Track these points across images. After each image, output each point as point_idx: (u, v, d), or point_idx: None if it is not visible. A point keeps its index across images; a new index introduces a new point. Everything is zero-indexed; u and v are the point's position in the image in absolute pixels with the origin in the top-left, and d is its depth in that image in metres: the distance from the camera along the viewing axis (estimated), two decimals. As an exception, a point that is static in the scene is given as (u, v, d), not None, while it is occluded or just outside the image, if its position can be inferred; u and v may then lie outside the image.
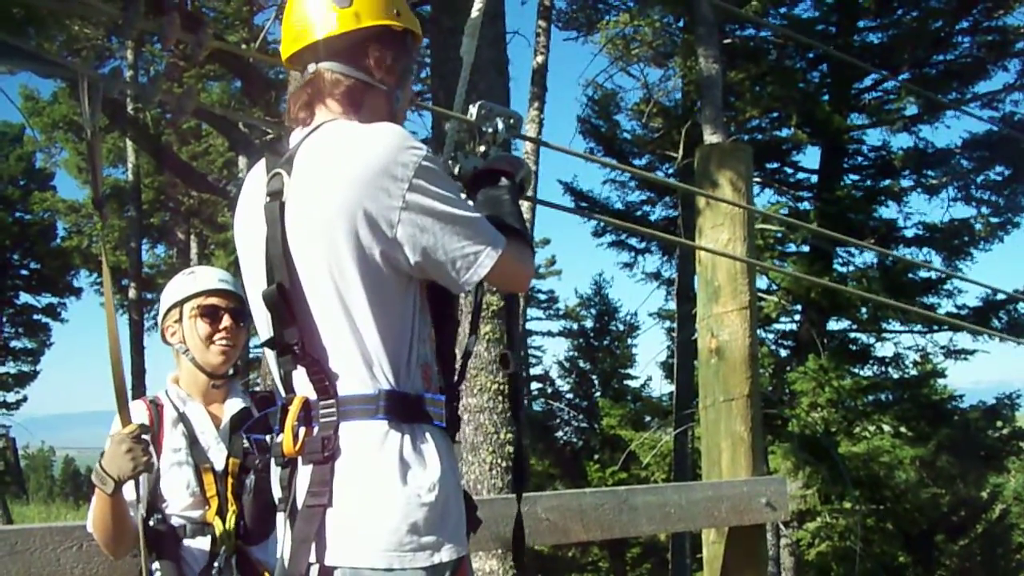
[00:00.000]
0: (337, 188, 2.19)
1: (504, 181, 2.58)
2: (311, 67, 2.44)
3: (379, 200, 2.17)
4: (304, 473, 2.25)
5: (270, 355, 2.36)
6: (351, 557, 2.15)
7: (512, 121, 2.81)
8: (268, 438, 2.43)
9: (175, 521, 2.97)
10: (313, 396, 2.26)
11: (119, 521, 2.83)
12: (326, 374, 2.24)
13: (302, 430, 2.26)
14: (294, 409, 2.26)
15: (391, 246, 2.20)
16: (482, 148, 2.76)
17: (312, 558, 2.18)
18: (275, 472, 2.37)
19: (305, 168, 2.28)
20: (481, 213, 2.35)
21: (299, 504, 2.23)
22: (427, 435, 2.25)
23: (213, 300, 3.11)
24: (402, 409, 2.22)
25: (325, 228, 2.19)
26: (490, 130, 2.76)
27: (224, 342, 3.11)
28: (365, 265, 2.20)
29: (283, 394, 2.35)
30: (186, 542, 2.96)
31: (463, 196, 2.41)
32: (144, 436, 2.73)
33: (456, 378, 2.48)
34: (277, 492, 2.35)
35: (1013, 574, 20.40)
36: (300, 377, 2.29)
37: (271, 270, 2.29)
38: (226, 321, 3.11)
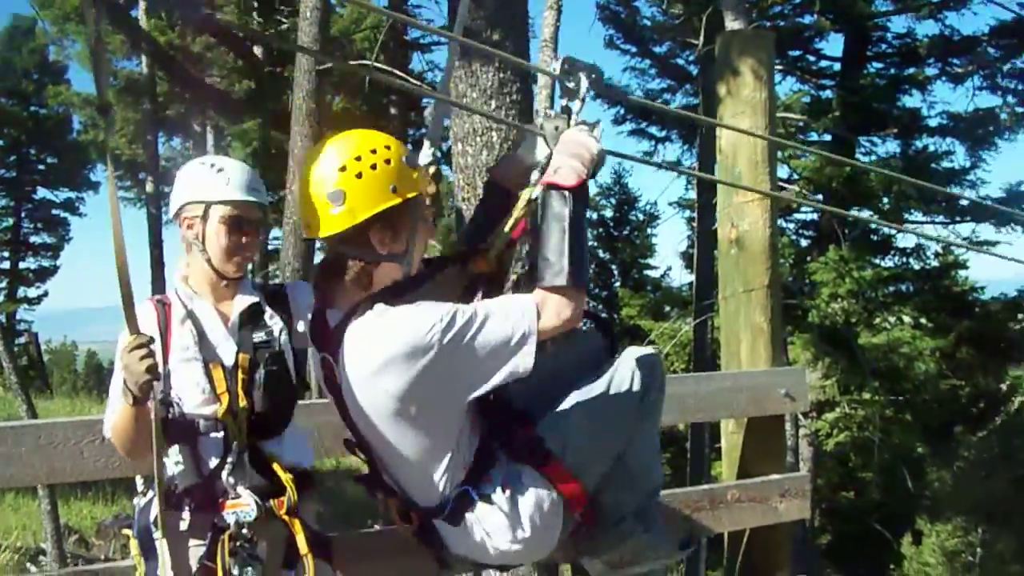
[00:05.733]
0: (380, 379, 2.49)
1: (571, 196, 2.58)
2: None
3: (423, 378, 2.45)
4: None
5: None
6: None
7: (595, 76, 2.77)
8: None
9: (190, 417, 2.96)
10: None
11: (141, 428, 2.82)
12: None
13: None
14: None
15: (451, 405, 2.56)
16: (564, 101, 2.78)
17: None
18: None
19: (349, 357, 2.56)
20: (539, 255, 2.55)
21: None
22: None
23: (240, 211, 3.07)
24: None
25: (384, 413, 2.54)
26: (572, 85, 2.76)
27: (245, 254, 3.11)
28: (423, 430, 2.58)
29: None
30: (201, 437, 2.96)
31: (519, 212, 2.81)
32: (150, 345, 2.69)
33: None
34: None
35: (1032, 466, 20.52)
36: None
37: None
38: (249, 236, 3.10)
